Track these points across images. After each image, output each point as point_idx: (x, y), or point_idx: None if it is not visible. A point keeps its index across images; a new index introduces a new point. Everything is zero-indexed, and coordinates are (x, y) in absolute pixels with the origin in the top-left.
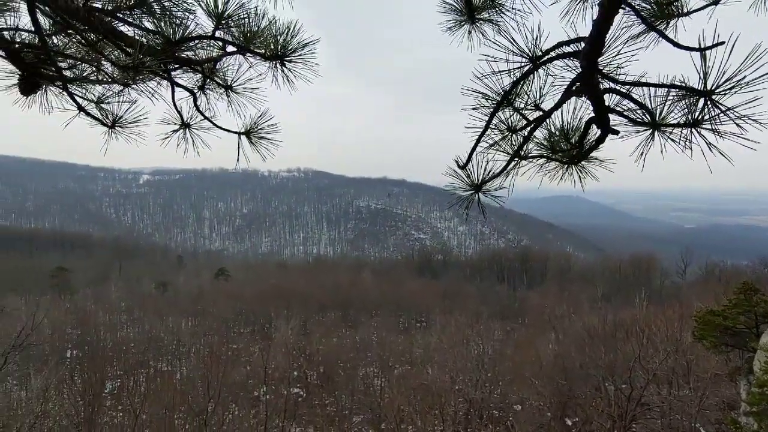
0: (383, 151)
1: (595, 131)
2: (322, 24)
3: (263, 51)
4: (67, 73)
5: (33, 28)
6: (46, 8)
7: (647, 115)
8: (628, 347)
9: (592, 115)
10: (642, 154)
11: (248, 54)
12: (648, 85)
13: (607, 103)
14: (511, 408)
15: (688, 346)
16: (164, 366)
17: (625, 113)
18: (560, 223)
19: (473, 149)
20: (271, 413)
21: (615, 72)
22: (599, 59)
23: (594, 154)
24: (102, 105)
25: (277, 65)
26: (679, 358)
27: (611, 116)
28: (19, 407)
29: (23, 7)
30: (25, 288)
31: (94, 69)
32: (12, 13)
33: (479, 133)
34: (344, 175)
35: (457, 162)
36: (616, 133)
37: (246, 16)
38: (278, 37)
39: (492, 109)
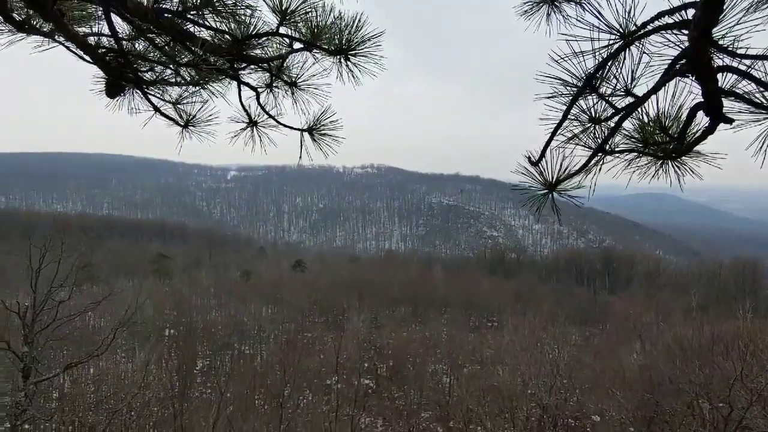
0: (457, 147)
1: (701, 120)
2: (396, 22)
3: (327, 46)
4: (149, 76)
5: (111, 34)
6: (126, 14)
7: None
8: (727, 363)
9: (699, 100)
10: (762, 146)
11: (314, 50)
12: None
13: (720, 84)
14: (588, 418)
15: None
16: (247, 349)
17: (744, 96)
18: (648, 223)
19: (547, 143)
20: (342, 402)
21: (732, 45)
22: (713, 30)
23: (698, 147)
24: (179, 105)
25: (342, 60)
26: None
27: (723, 101)
28: (125, 378)
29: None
30: (131, 272)
31: (172, 71)
32: (98, 21)
33: (555, 125)
34: (417, 171)
35: (529, 158)
36: (730, 121)
37: (310, 10)
38: (343, 32)
39: (571, 97)
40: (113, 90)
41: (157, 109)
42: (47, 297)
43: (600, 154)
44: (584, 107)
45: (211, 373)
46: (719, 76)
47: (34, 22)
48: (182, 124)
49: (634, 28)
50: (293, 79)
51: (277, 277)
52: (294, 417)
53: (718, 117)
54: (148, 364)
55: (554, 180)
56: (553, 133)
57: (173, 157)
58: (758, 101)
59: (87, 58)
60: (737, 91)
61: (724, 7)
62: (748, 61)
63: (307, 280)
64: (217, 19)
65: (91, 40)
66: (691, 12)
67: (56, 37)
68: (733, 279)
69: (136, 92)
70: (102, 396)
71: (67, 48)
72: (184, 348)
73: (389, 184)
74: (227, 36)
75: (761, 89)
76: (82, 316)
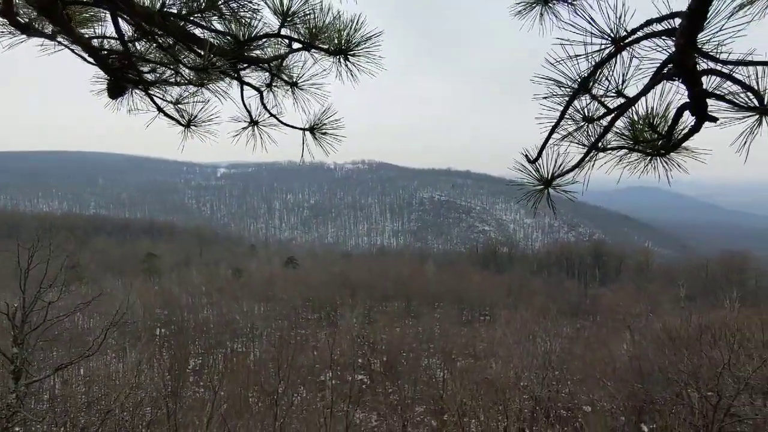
0: (449, 143)
1: (687, 119)
2: (387, 20)
3: (327, 46)
4: (149, 76)
5: (117, 36)
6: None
7: (754, 99)
8: (715, 352)
9: (685, 101)
10: (745, 143)
11: (313, 50)
12: (757, 63)
13: (705, 87)
14: (580, 409)
15: None
16: (239, 347)
17: (726, 97)
18: (639, 216)
19: (545, 141)
20: (336, 398)
21: (716, 50)
22: (698, 36)
23: (685, 143)
24: (179, 105)
25: (341, 60)
26: None
27: (709, 101)
28: (116, 378)
29: (109, 16)
30: (120, 271)
31: (173, 71)
32: (100, 23)
33: (552, 125)
34: (408, 167)
35: (526, 156)
36: (714, 120)
37: (311, 12)
38: (342, 32)
39: (568, 98)
40: (115, 91)
41: (160, 110)
42: (36, 298)
43: (594, 151)
44: (578, 107)
45: (204, 372)
46: (704, 78)
47: (38, 25)
48: (184, 123)
49: (625, 33)
50: (293, 79)
51: (269, 275)
52: (288, 414)
53: (703, 116)
54: (140, 363)
55: (550, 176)
56: (551, 132)
57: (161, 155)
58: (741, 102)
59: (90, 59)
60: (721, 92)
61: (708, 16)
62: (730, 65)
63: (300, 277)
64: (220, 22)
65: (95, 41)
66: (677, 21)
67: (59, 39)
68: (721, 271)
69: (137, 93)
70: (93, 397)
71: (71, 50)
72: (176, 347)
73: (381, 179)
74: (230, 38)
75: (742, 90)
76: (71, 316)
